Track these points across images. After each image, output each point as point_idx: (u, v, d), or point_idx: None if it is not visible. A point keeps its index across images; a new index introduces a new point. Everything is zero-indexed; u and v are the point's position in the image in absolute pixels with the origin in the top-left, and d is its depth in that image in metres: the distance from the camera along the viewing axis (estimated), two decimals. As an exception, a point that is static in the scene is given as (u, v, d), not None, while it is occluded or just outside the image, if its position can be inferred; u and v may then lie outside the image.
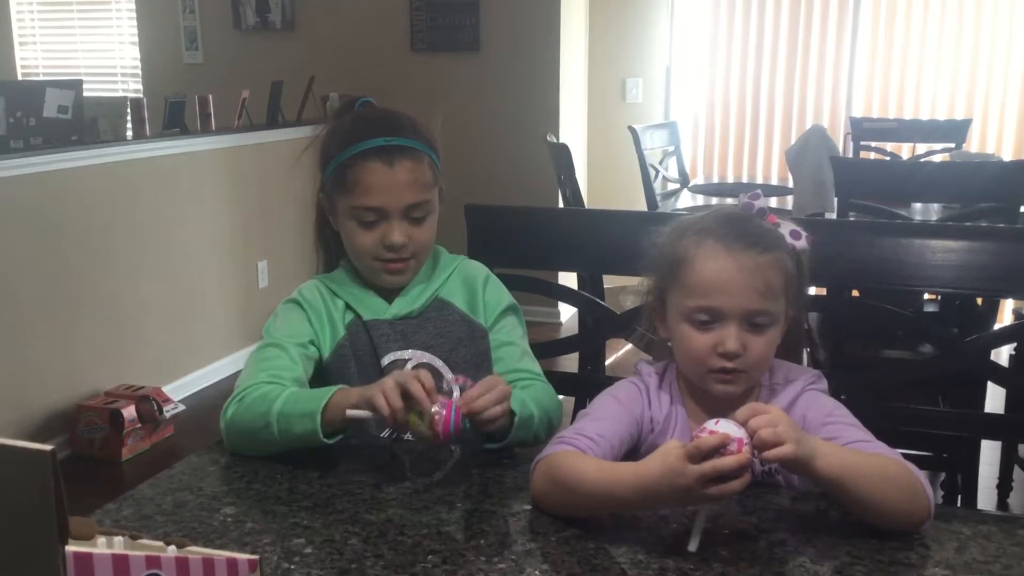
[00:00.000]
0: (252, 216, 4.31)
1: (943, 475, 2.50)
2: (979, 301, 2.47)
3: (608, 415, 1.20)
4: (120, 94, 5.64)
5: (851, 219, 2.61)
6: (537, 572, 0.97)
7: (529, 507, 1.12)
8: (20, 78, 6.00)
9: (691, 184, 4.20)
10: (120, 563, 0.63)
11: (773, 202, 3.49)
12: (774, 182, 4.26)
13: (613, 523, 1.07)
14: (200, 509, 1.12)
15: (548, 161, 3.86)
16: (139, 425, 3.32)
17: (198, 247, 4.02)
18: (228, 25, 5.26)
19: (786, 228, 1.20)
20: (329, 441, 1.23)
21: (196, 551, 0.70)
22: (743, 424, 0.98)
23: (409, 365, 1.40)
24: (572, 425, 1.19)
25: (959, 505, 2.21)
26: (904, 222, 2.56)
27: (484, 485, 1.19)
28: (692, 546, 0.98)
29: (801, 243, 1.19)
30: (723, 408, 1.03)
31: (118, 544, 0.68)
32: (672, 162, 4.27)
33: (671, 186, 4.15)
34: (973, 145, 4.75)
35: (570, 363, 1.57)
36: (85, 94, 3.73)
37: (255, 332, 4.74)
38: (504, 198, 4.22)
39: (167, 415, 3.42)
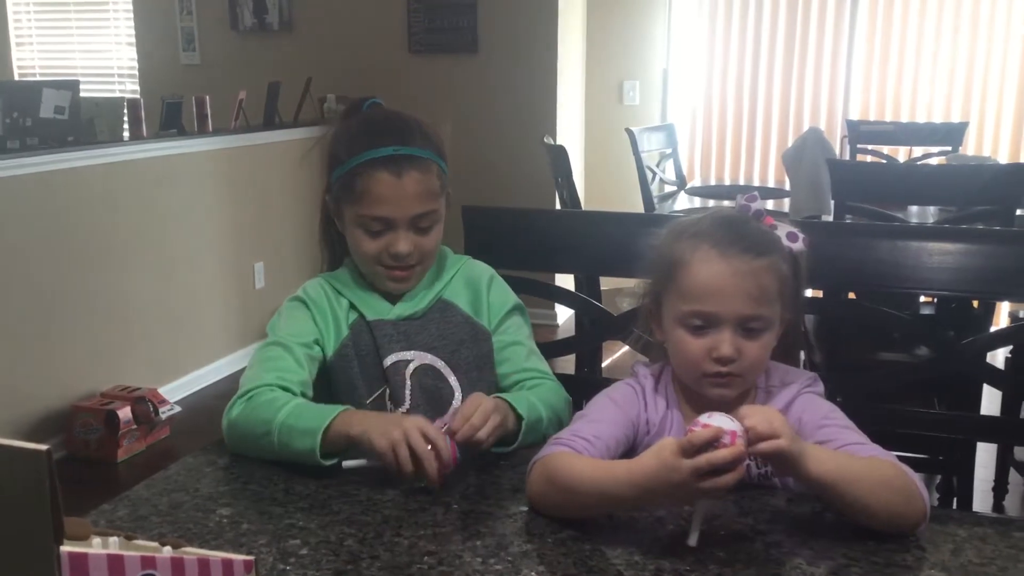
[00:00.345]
0: (248, 217, 4.31)
1: (939, 477, 2.50)
2: (975, 304, 2.48)
3: (604, 417, 1.20)
4: (117, 95, 5.64)
5: (848, 222, 2.61)
6: (533, 573, 0.97)
7: (526, 508, 1.11)
8: (17, 78, 5.99)
9: (688, 186, 4.21)
10: (115, 563, 0.63)
11: (770, 204, 3.49)
12: (771, 184, 4.27)
13: (609, 524, 1.07)
14: (196, 510, 1.12)
15: (545, 163, 3.86)
16: (135, 426, 3.31)
17: (194, 248, 4.01)
18: (225, 26, 5.25)
19: (783, 230, 1.20)
20: (326, 463, 1.21)
21: (191, 552, 0.70)
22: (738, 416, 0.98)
23: (411, 366, 1.40)
24: (568, 426, 1.20)
25: (955, 507, 2.21)
26: (900, 225, 2.57)
27: (481, 486, 1.19)
28: (692, 540, 0.98)
29: (798, 245, 1.19)
30: (718, 409, 1.03)
31: (113, 544, 0.67)
32: (669, 164, 4.28)
33: (668, 188, 4.15)
34: (969, 148, 4.76)
35: (567, 365, 1.57)
36: (82, 95, 3.72)
37: (251, 333, 4.75)
38: (501, 200, 4.22)
39: (163, 416, 3.41)
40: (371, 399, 1.39)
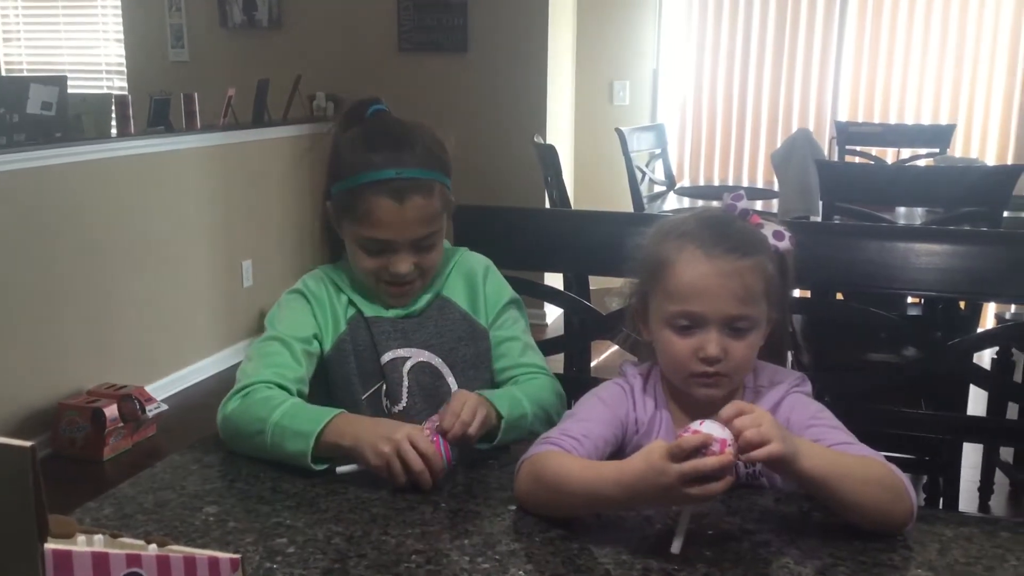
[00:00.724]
0: (237, 215, 4.30)
1: (925, 477, 2.51)
2: (962, 305, 2.49)
3: (593, 416, 1.20)
4: (105, 91, 5.61)
5: (836, 222, 2.62)
6: (521, 572, 0.97)
7: (514, 507, 1.11)
8: (3, 74, 5.95)
9: (677, 186, 4.21)
10: (100, 561, 0.62)
11: (759, 205, 3.50)
12: (760, 185, 4.28)
13: (597, 524, 1.07)
14: (182, 508, 1.12)
15: (535, 162, 3.86)
16: (121, 424, 3.29)
17: (182, 246, 3.99)
18: (214, 23, 5.23)
19: (769, 229, 1.20)
20: (316, 467, 1.20)
21: (177, 550, 0.70)
22: (728, 423, 0.98)
23: (408, 364, 1.40)
24: (557, 426, 1.19)
25: (941, 507, 2.22)
26: (888, 225, 2.57)
27: (468, 485, 1.19)
28: (675, 547, 0.98)
29: (784, 244, 1.19)
30: (706, 411, 1.03)
31: (98, 543, 0.67)
32: (659, 164, 4.28)
33: (657, 188, 4.16)
34: (957, 150, 4.78)
35: (556, 364, 1.57)
36: (69, 91, 3.70)
37: (239, 331, 4.73)
38: (491, 199, 4.22)
39: (149, 414, 3.40)
40: (367, 395, 1.39)
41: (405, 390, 1.39)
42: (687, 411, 1.19)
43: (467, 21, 4.78)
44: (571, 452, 1.11)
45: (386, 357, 1.40)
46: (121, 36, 5.60)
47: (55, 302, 3.35)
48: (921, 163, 4.22)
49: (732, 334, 1.14)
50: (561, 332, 1.77)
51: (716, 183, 4.69)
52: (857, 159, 4.38)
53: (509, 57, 4.77)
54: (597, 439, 1.16)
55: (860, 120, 4.98)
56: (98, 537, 0.68)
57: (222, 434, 1.30)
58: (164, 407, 3.49)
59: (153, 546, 0.69)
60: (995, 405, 2.46)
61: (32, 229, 3.25)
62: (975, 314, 2.50)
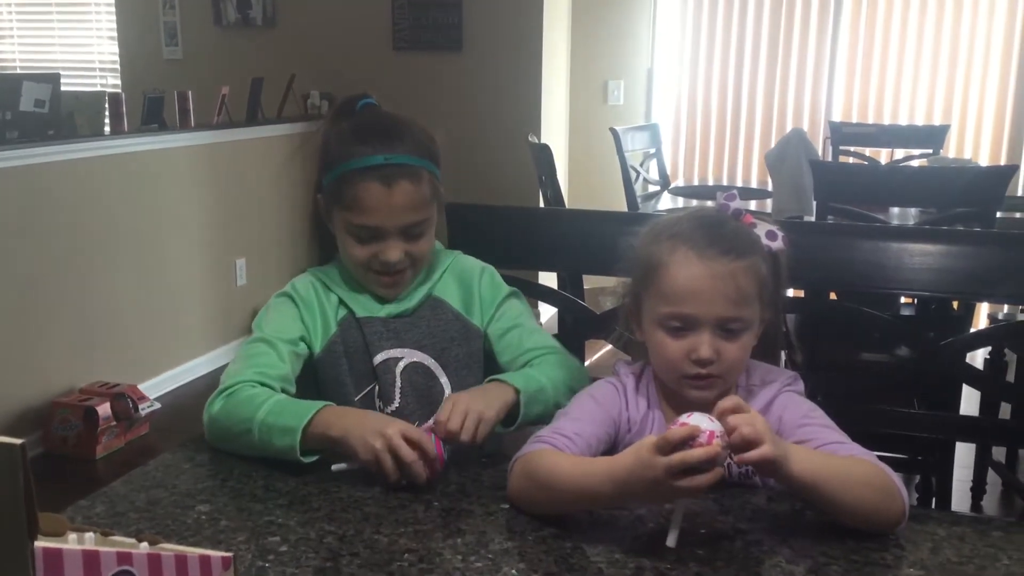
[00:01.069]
0: (230, 214, 4.29)
1: (918, 477, 2.51)
2: (955, 305, 2.49)
3: (586, 415, 1.20)
4: (98, 89, 5.59)
5: (829, 222, 2.62)
6: (514, 571, 0.97)
7: (507, 506, 1.11)
8: (-4, 71, 5.93)
9: (672, 186, 4.22)
10: (91, 559, 0.62)
11: (753, 205, 3.50)
12: (754, 185, 4.28)
13: (590, 522, 1.07)
14: (174, 506, 1.11)
15: (529, 161, 3.86)
16: (114, 423, 3.29)
17: (175, 244, 3.98)
18: (208, 21, 5.22)
19: (762, 229, 1.20)
20: (306, 460, 1.20)
21: (169, 548, 0.70)
22: (722, 415, 0.98)
23: (401, 364, 1.40)
24: (550, 424, 1.19)
25: (933, 507, 2.23)
26: (882, 225, 2.58)
27: (461, 484, 1.18)
28: (670, 541, 0.98)
29: (777, 244, 1.19)
30: (699, 410, 1.03)
31: (89, 541, 0.67)
32: (653, 164, 4.28)
33: (652, 188, 4.16)
34: (951, 150, 4.79)
35: (549, 363, 1.59)
36: (63, 88, 3.69)
37: (233, 330, 4.72)
38: (485, 198, 4.22)
39: (142, 413, 3.39)
40: (359, 396, 1.39)
41: (398, 391, 1.38)
42: (680, 411, 1.18)
43: (462, 20, 4.78)
44: (564, 450, 1.11)
45: (378, 358, 1.39)
46: (115, 34, 5.58)
47: (48, 300, 3.34)
48: (915, 163, 4.22)
49: (725, 335, 1.14)
50: (555, 331, 1.77)
51: (710, 183, 4.69)
52: (851, 159, 4.39)
53: (504, 56, 4.77)
54: (590, 437, 1.16)
55: (854, 120, 4.99)
56: (89, 535, 0.67)
57: (208, 435, 1.29)
58: (157, 406, 3.48)
59: (144, 544, 0.69)
60: (988, 405, 2.46)
61: (24, 227, 3.24)
62: (968, 314, 2.51)
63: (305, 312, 1.41)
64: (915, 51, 4.95)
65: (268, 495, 1.14)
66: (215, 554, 0.72)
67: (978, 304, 3.29)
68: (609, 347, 1.35)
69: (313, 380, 1.41)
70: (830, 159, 4.29)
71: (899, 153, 4.60)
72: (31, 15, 6.07)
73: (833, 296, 1.96)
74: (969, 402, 2.28)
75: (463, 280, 1.48)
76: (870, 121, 4.99)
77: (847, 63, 5.06)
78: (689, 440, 0.95)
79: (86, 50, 5.94)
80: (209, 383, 4.09)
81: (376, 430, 1.16)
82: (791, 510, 1.11)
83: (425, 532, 1.05)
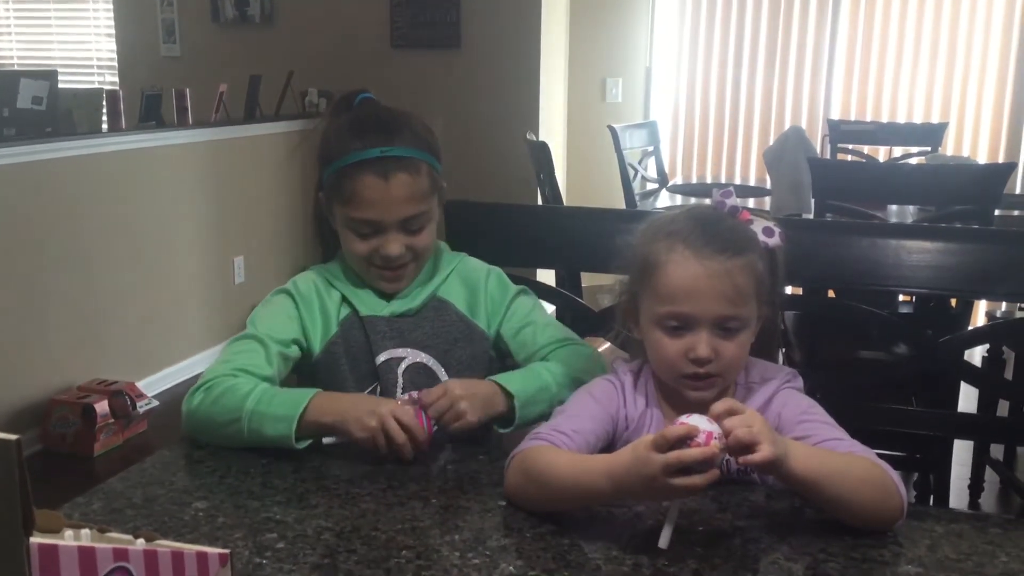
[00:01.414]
0: (229, 211, 4.28)
1: (916, 475, 2.51)
2: (953, 302, 2.49)
3: (584, 412, 1.19)
4: (96, 86, 5.58)
5: (828, 220, 2.62)
6: (511, 568, 0.97)
7: (504, 503, 1.11)
8: (-6, 68, 5.92)
9: (670, 184, 4.22)
10: (86, 556, 0.62)
11: (751, 203, 3.50)
12: (752, 183, 4.28)
13: (588, 519, 1.07)
14: (171, 503, 1.11)
15: (528, 159, 3.86)
16: (112, 420, 3.28)
17: (174, 241, 3.98)
18: (206, 18, 5.21)
19: (759, 225, 1.19)
20: (300, 446, 1.22)
21: (165, 545, 0.69)
22: (718, 419, 0.98)
23: (404, 364, 1.39)
24: (547, 422, 1.19)
25: (931, 504, 2.23)
26: (880, 223, 2.58)
27: (459, 481, 1.18)
28: (662, 542, 0.98)
29: (774, 240, 1.19)
30: (697, 410, 1.03)
31: (85, 537, 0.66)
32: (651, 162, 4.28)
33: (650, 186, 4.16)
34: (949, 148, 4.79)
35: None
36: (60, 86, 3.68)
37: (231, 328, 4.72)
38: (483, 195, 4.22)
39: (140, 410, 3.38)
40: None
41: (400, 391, 1.38)
42: (678, 409, 1.18)
43: (460, 18, 4.78)
44: (561, 447, 1.11)
45: (381, 357, 1.39)
46: (112, 31, 5.58)
47: (46, 297, 3.33)
48: (913, 161, 4.22)
49: (722, 334, 1.13)
50: (553, 328, 1.77)
51: (708, 180, 4.69)
52: (849, 157, 4.39)
53: (502, 54, 4.76)
54: (588, 435, 1.16)
55: (852, 118, 4.98)
56: (85, 532, 0.67)
57: (186, 428, 1.29)
58: (155, 403, 3.48)
59: (141, 541, 0.68)
60: (986, 402, 2.47)
61: (22, 224, 3.24)
62: (966, 312, 2.51)
63: (304, 310, 1.40)
64: (913, 49, 4.95)
65: (265, 492, 1.14)
66: (212, 551, 0.72)
67: (976, 302, 3.29)
68: (607, 345, 1.35)
69: (310, 380, 1.40)
70: (828, 157, 4.29)
71: (897, 151, 4.60)
72: (29, 12, 6.06)
73: (831, 294, 1.96)
74: (967, 400, 2.28)
75: (469, 282, 1.47)
76: (868, 119, 4.98)
77: (845, 61, 5.06)
78: (687, 439, 0.95)
79: (84, 47, 5.93)
80: (207, 381, 4.08)
81: (370, 410, 1.20)
82: (790, 507, 1.11)
83: (422, 529, 1.05)
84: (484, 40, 4.78)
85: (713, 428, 0.96)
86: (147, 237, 3.82)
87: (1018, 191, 3.77)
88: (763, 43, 5.14)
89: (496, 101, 4.79)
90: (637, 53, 5.24)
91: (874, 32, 4.99)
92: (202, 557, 0.71)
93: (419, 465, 1.22)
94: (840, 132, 4.46)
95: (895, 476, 1.05)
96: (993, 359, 2.57)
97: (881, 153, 4.78)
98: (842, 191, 2.71)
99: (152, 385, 3.74)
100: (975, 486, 2.82)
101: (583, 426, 1.16)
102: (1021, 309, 3.85)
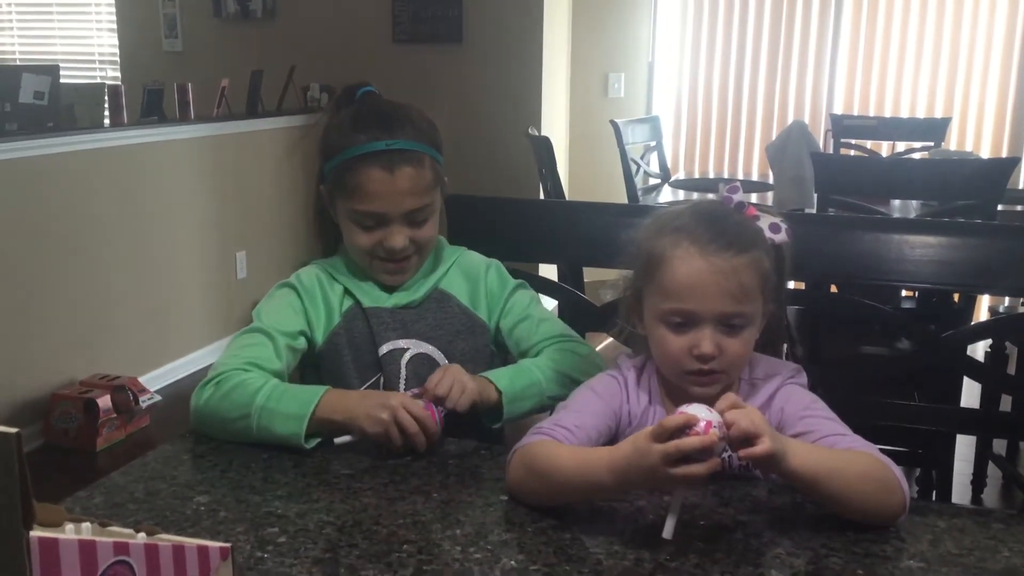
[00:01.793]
0: (231, 206, 4.28)
1: (918, 470, 2.51)
2: (956, 297, 2.49)
3: (586, 407, 1.19)
4: (98, 81, 5.58)
5: (830, 214, 2.61)
6: (513, 562, 0.96)
7: (505, 498, 1.11)
8: (-4, 63, 5.92)
9: (672, 179, 4.21)
10: (87, 549, 0.62)
11: (754, 198, 3.50)
12: (755, 177, 4.29)
13: (589, 514, 1.07)
14: (173, 497, 1.11)
15: (530, 154, 3.85)
16: (114, 415, 3.29)
17: (176, 236, 3.98)
18: (208, 13, 5.21)
19: (765, 221, 1.18)
20: (308, 446, 1.22)
21: (166, 539, 0.69)
22: (719, 412, 0.98)
23: (407, 355, 1.39)
24: (550, 417, 1.19)
25: (934, 500, 2.22)
26: (883, 218, 2.57)
27: (461, 475, 1.18)
28: (667, 533, 0.97)
29: (780, 236, 1.18)
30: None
31: (86, 531, 0.66)
32: (653, 157, 4.28)
33: (652, 181, 4.15)
34: (952, 143, 4.79)
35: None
36: (62, 81, 3.68)
37: (233, 323, 4.72)
38: (485, 190, 4.22)
39: (143, 405, 3.39)
40: (364, 387, 1.38)
41: (403, 382, 1.38)
42: (680, 405, 1.18)
43: (462, 12, 4.77)
44: (563, 442, 1.11)
45: (384, 348, 1.39)
46: (114, 26, 5.57)
47: (48, 292, 3.34)
48: (916, 156, 4.21)
49: (727, 331, 1.13)
50: (555, 323, 1.76)
51: (711, 175, 4.69)
52: (852, 152, 4.38)
53: (504, 49, 4.75)
54: (590, 430, 1.15)
55: (855, 113, 4.98)
56: (86, 525, 0.67)
57: (195, 422, 1.29)
58: (158, 398, 3.49)
59: (142, 535, 0.68)
60: (989, 397, 2.46)
61: (24, 219, 3.24)
62: (969, 307, 2.50)
63: (308, 303, 1.40)
64: (916, 44, 4.94)
65: (267, 486, 1.14)
66: (213, 544, 0.72)
67: (979, 297, 3.29)
68: (610, 340, 1.34)
69: (314, 371, 1.41)
70: (831, 152, 4.28)
71: (900, 146, 4.59)
72: (30, 7, 6.06)
73: (834, 289, 1.96)
74: (970, 395, 2.27)
75: (470, 275, 1.47)
76: (871, 114, 4.98)
77: (848, 56, 5.05)
78: (686, 428, 0.95)
79: (85, 42, 5.93)
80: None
81: (381, 404, 1.21)
82: (792, 502, 1.11)
83: (424, 523, 1.05)
84: (486, 35, 4.77)
85: (713, 417, 0.96)
86: (149, 232, 3.82)
87: (1021, 186, 3.75)
88: (766, 38, 5.13)
89: (498, 96, 4.78)
90: (639, 48, 5.23)
91: (877, 26, 4.98)
92: (203, 551, 0.71)
93: (420, 460, 1.22)
94: (843, 127, 4.45)
95: (897, 471, 1.05)
96: (996, 354, 2.56)
97: (884, 148, 4.78)
98: (845, 186, 2.70)
99: (154, 380, 3.75)
100: (977, 481, 2.81)
101: (585, 421, 1.16)
102: (1024, 304, 3.85)
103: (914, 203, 3.14)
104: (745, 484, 1.15)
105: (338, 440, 1.22)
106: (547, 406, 1.33)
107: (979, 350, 3.04)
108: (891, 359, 2.42)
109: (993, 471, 2.88)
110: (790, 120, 4.62)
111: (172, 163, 3.94)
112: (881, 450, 1.08)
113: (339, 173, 1.37)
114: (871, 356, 2.53)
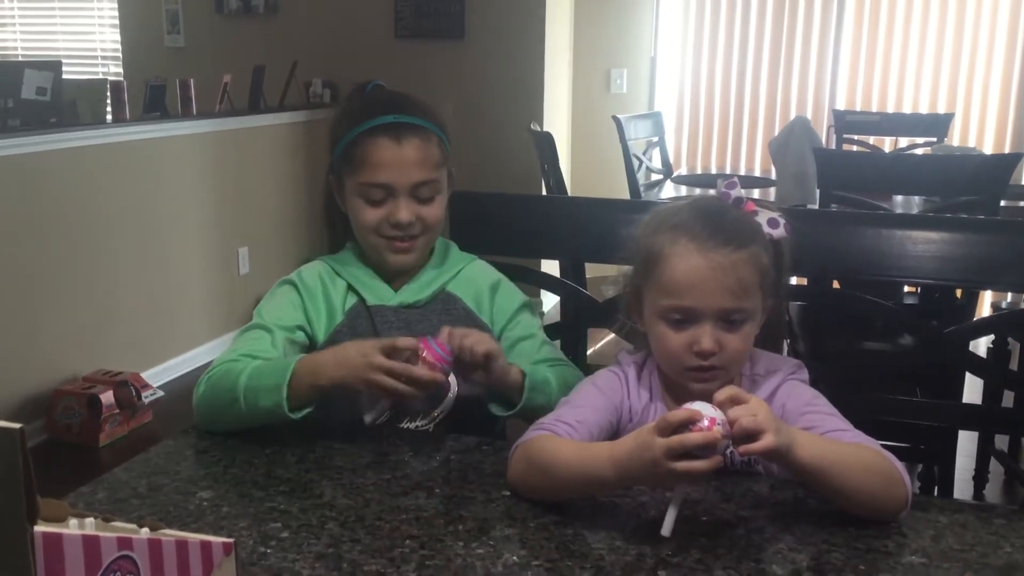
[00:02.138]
0: (233, 202, 4.28)
1: (920, 466, 2.51)
2: (958, 293, 2.48)
3: (588, 403, 1.19)
4: (100, 77, 5.58)
5: (833, 210, 2.61)
6: (515, 557, 0.97)
7: (508, 493, 1.11)
8: (-2, 59, 5.92)
9: (674, 175, 4.21)
10: (91, 544, 0.62)
11: (756, 193, 3.49)
12: (757, 173, 4.27)
13: (591, 509, 1.07)
14: (176, 493, 1.11)
15: (532, 150, 3.85)
16: (117, 410, 3.29)
17: (178, 232, 3.98)
18: (210, 9, 5.21)
19: (764, 216, 1.18)
20: (295, 416, 1.22)
21: (170, 534, 0.69)
22: (721, 407, 0.98)
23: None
24: (552, 412, 1.19)
25: (936, 495, 2.22)
26: (885, 213, 2.57)
27: (463, 471, 1.18)
28: (665, 530, 0.97)
29: (779, 232, 1.18)
30: (701, 400, 1.03)
31: (89, 526, 0.67)
32: (656, 152, 4.27)
33: (655, 176, 4.15)
34: (955, 139, 4.78)
35: (551, 351, 1.59)
36: (64, 76, 3.68)
37: (235, 318, 4.73)
38: (487, 186, 4.23)
39: (146, 401, 3.39)
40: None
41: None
42: (682, 402, 1.16)
43: (464, 8, 4.76)
44: (565, 437, 1.11)
45: None
46: (116, 21, 5.57)
47: (50, 288, 3.34)
48: (919, 152, 4.21)
49: (726, 327, 1.13)
50: (557, 319, 1.77)
51: (713, 171, 4.68)
52: (855, 148, 4.38)
53: (506, 44, 4.75)
54: (592, 425, 1.15)
55: (858, 109, 4.97)
56: (90, 520, 0.67)
57: (198, 419, 1.30)
58: (160, 393, 3.49)
59: (145, 530, 0.69)
60: (991, 393, 2.46)
61: (27, 215, 3.24)
62: (971, 303, 2.49)
63: (308, 299, 1.40)
64: (919, 39, 4.93)
65: (270, 482, 1.14)
66: (216, 540, 0.72)
67: (981, 292, 3.28)
68: (612, 336, 1.35)
69: None
70: (834, 147, 4.28)
71: (903, 142, 4.58)
72: (33, 3, 6.05)
73: (836, 285, 1.96)
74: (972, 391, 2.27)
75: (479, 284, 1.47)
76: (874, 109, 4.97)
77: (851, 51, 5.04)
78: (689, 424, 0.95)
79: (88, 38, 5.93)
80: (212, 371, 4.09)
81: (356, 362, 1.19)
82: (793, 498, 1.11)
83: (427, 519, 1.05)
84: (488, 30, 4.77)
85: (717, 415, 0.96)
86: (152, 228, 3.82)
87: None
88: (768, 33, 5.12)
89: (500, 91, 4.78)
90: (642, 43, 5.22)
91: (880, 22, 4.97)
92: (206, 546, 0.71)
93: (423, 455, 1.23)
94: (845, 122, 4.45)
95: (900, 466, 1.05)
96: (998, 350, 2.56)
97: (887, 144, 4.77)
98: (847, 181, 2.70)
99: (157, 376, 3.75)
100: (979, 477, 2.81)
101: (587, 416, 1.16)
102: (1027, 300, 3.84)
103: (917, 199, 3.13)
104: (747, 480, 1.15)
105: (368, 420, 1.21)
106: (548, 408, 1.32)
107: (981, 346, 3.04)
108: (893, 355, 2.42)
109: (995, 467, 2.88)
110: (792, 116, 4.61)
111: (174, 159, 3.94)
112: (883, 445, 1.09)
113: (347, 150, 1.38)
114: (873, 352, 2.53)
